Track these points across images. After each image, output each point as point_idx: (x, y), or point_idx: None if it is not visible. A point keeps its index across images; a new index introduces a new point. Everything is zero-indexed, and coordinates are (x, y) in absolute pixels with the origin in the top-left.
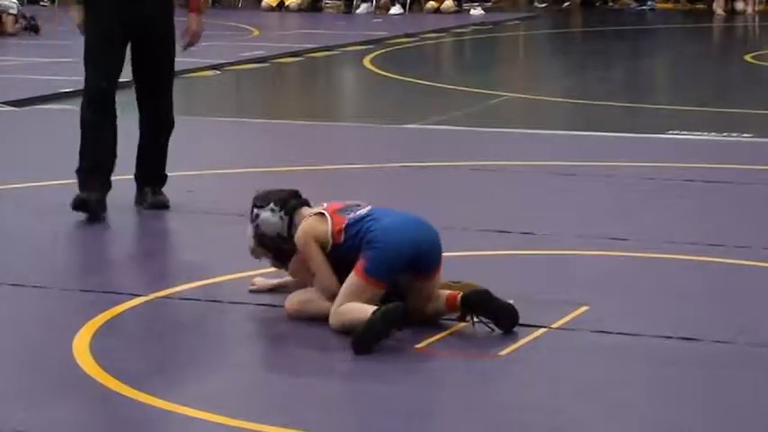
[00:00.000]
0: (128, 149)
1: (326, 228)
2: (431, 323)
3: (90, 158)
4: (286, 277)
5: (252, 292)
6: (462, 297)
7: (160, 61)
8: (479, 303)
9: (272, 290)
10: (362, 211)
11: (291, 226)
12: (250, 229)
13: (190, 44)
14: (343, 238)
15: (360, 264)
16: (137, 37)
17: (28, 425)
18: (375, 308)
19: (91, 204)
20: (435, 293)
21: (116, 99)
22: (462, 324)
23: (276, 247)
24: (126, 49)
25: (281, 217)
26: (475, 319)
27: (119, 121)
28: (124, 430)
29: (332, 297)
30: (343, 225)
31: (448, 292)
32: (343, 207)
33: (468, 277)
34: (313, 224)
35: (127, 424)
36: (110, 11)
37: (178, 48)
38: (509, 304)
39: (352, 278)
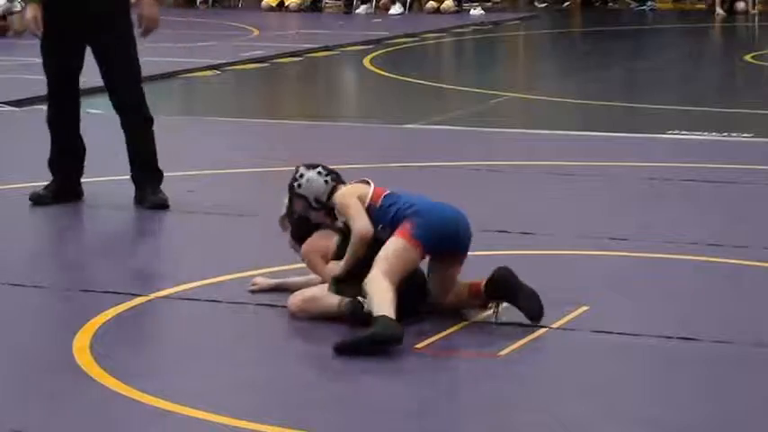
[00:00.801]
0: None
1: (367, 192)
2: (435, 320)
3: (53, 149)
4: (287, 278)
5: (252, 291)
6: (487, 281)
7: (118, 60)
8: (505, 285)
9: (273, 289)
10: (403, 191)
11: (330, 195)
12: (286, 197)
13: (147, 30)
14: (380, 203)
15: (405, 227)
16: (92, 38)
17: (27, 424)
18: (388, 312)
19: (41, 195)
20: (455, 285)
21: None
22: (462, 324)
23: (303, 215)
24: (83, 48)
25: (326, 181)
26: (499, 307)
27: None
28: (124, 430)
29: (365, 241)
30: (384, 192)
31: (471, 281)
32: (384, 188)
33: (468, 277)
34: (356, 186)
35: (127, 424)
36: (60, 11)
37: (141, 40)
38: (533, 290)
39: (397, 240)
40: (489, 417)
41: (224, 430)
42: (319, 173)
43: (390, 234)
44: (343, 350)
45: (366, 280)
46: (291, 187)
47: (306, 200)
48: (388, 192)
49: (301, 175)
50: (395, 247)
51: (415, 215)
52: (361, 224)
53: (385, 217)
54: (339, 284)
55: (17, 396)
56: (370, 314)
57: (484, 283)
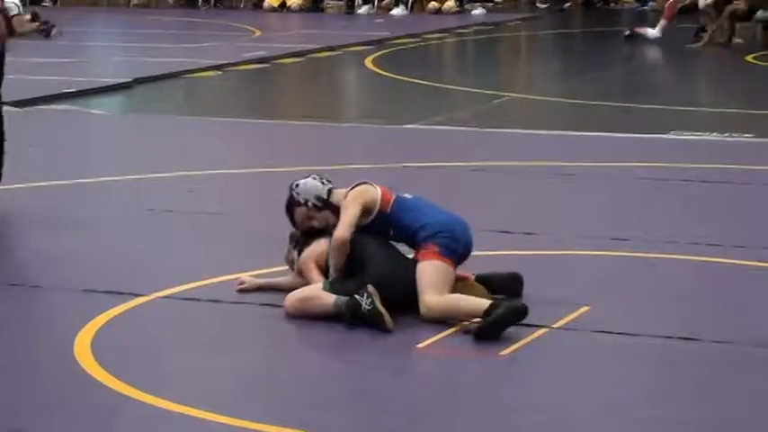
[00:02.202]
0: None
1: (376, 197)
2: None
3: None
4: (273, 279)
5: (240, 291)
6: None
7: None
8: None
9: (259, 289)
10: (408, 195)
11: (330, 194)
12: (286, 245)
13: None
14: (389, 210)
15: (433, 250)
16: None
17: (27, 424)
18: (490, 302)
19: None
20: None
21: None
22: (463, 324)
23: (306, 227)
24: None
25: (322, 182)
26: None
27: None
28: (124, 430)
29: (339, 246)
30: (392, 199)
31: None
32: (389, 187)
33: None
34: (366, 189)
35: (127, 423)
36: None
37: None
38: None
39: (433, 264)
40: (490, 416)
41: (225, 430)
42: (314, 178)
43: (416, 252)
44: (488, 332)
45: (432, 304)
46: (290, 201)
47: (306, 204)
48: (395, 197)
49: (297, 185)
50: (436, 268)
51: (439, 236)
52: (341, 231)
53: (396, 223)
54: (333, 284)
55: (17, 396)
56: (368, 312)
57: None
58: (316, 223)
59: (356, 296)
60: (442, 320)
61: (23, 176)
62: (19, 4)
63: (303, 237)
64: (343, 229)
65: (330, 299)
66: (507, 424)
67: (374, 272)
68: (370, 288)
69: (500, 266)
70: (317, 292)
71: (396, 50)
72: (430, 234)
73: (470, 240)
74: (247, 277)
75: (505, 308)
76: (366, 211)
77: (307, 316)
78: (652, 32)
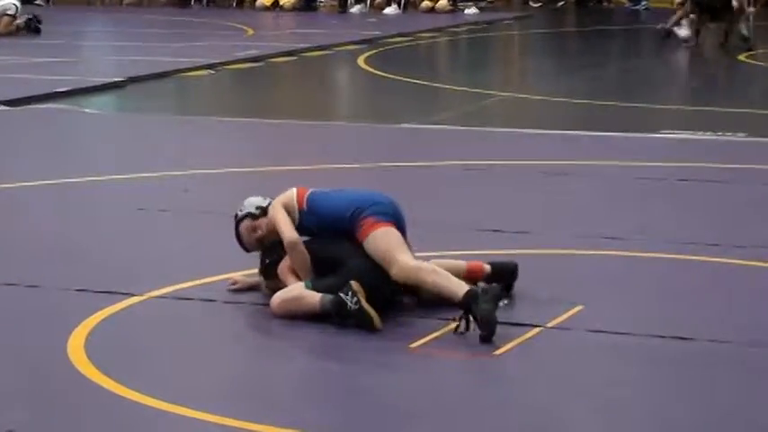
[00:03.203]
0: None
1: (291, 196)
2: (429, 320)
3: None
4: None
5: (232, 290)
6: (498, 269)
7: None
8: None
9: (252, 288)
10: (325, 189)
11: (269, 205)
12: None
13: None
14: (305, 205)
15: (367, 223)
16: None
17: (22, 424)
18: (466, 288)
19: None
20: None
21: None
22: (457, 324)
23: (251, 242)
24: None
25: (264, 198)
26: (461, 321)
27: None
28: (117, 429)
29: (293, 248)
30: (306, 194)
31: (468, 262)
32: (305, 188)
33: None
34: (283, 195)
35: (121, 424)
36: None
37: None
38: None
39: (378, 234)
40: (483, 416)
41: (217, 429)
42: (254, 196)
43: (354, 234)
44: (488, 327)
45: (407, 273)
46: (236, 224)
47: (249, 214)
48: (308, 192)
49: (240, 209)
50: (384, 236)
51: (367, 210)
52: (286, 235)
53: (316, 215)
54: (312, 282)
55: (11, 396)
56: (354, 311)
57: (490, 268)
58: (260, 231)
59: (341, 294)
60: (413, 285)
61: (16, 176)
62: (18, 4)
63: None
64: (285, 232)
65: (315, 298)
66: (501, 424)
67: (351, 261)
68: (354, 285)
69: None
70: (303, 292)
71: (388, 49)
72: (355, 210)
73: (398, 209)
74: (240, 277)
75: (487, 297)
76: (287, 210)
77: (293, 316)
78: (684, 33)
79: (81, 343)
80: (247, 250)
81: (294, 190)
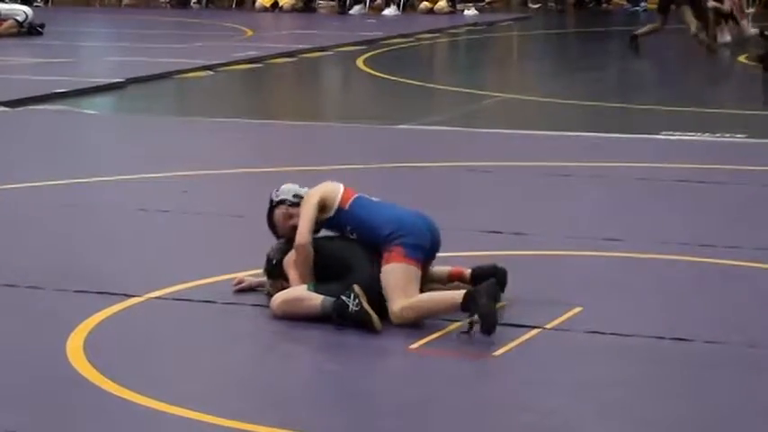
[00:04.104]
0: (120, 150)
1: (336, 192)
2: (429, 321)
3: None
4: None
5: (237, 290)
6: (478, 273)
7: None
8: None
9: (258, 288)
10: (374, 198)
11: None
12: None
13: None
14: (348, 207)
15: (397, 252)
16: None
17: (21, 425)
18: (463, 292)
19: None
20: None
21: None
22: (456, 324)
23: (282, 218)
24: None
25: (300, 186)
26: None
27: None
28: (117, 430)
29: (299, 247)
30: (354, 197)
31: (450, 268)
32: (354, 190)
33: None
34: (327, 185)
35: (120, 424)
36: None
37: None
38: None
39: (398, 266)
40: (484, 417)
41: (218, 430)
42: (291, 183)
43: (382, 253)
44: (489, 324)
45: (403, 312)
46: (270, 207)
47: (284, 202)
48: (357, 195)
49: (277, 190)
50: (402, 272)
51: (399, 236)
52: (299, 237)
53: (356, 220)
54: (316, 285)
55: (10, 397)
56: (355, 313)
57: (470, 273)
58: (296, 219)
59: (343, 297)
60: (417, 323)
61: (15, 177)
62: (29, 12)
63: (283, 247)
64: (301, 236)
65: (317, 300)
66: (500, 424)
67: (359, 274)
68: (357, 288)
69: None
70: (303, 294)
71: (387, 51)
72: (393, 232)
73: (437, 236)
74: (246, 277)
75: (483, 293)
76: (324, 205)
77: (293, 317)
78: (727, 38)
79: (80, 344)
80: (278, 236)
81: (341, 187)
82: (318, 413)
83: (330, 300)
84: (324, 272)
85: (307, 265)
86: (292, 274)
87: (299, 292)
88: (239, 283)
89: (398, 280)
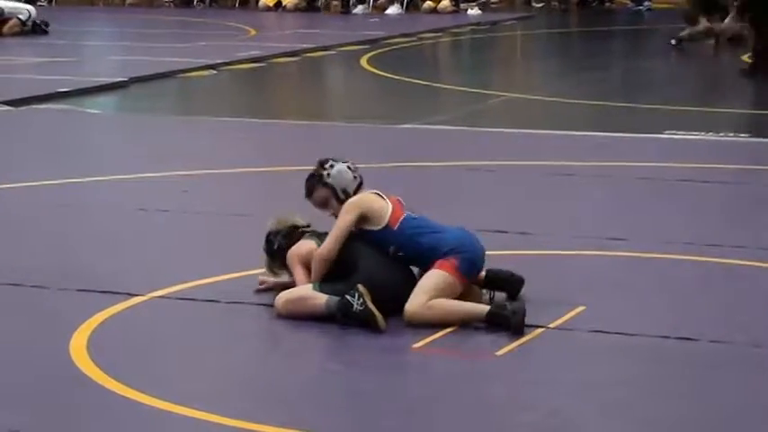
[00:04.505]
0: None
1: (384, 209)
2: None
3: None
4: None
5: (260, 290)
6: (494, 277)
7: None
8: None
9: (274, 288)
10: (418, 216)
11: (357, 191)
12: (264, 257)
13: None
14: (397, 227)
15: (450, 264)
16: None
17: (25, 424)
18: (487, 307)
19: None
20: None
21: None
22: (459, 324)
23: (321, 200)
24: None
25: (354, 177)
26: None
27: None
28: (121, 430)
29: (321, 260)
30: (403, 217)
31: None
32: (399, 200)
33: None
34: (371, 198)
35: (124, 424)
36: None
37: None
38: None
39: (443, 275)
40: (487, 416)
41: (221, 430)
42: (348, 167)
43: (433, 263)
44: (519, 329)
45: (419, 309)
46: (316, 177)
47: (333, 190)
48: (405, 215)
49: (331, 166)
50: (439, 279)
51: (458, 251)
52: (328, 245)
53: (398, 239)
54: (321, 284)
55: (14, 396)
56: (360, 312)
57: (484, 275)
58: (331, 210)
59: (347, 296)
60: (430, 325)
61: (18, 176)
62: (32, 11)
63: (284, 239)
64: (327, 251)
65: (321, 299)
66: (504, 423)
67: (364, 274)
68: (361, 288)
69: (498, 266)
70: (308, 293)
71: (391, 50)
72: (454, 249)
73: (484, 256)
74: (268, 277)
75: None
76: (364, 219)
77: (298, 316)
78: None
79: (83, 343)
80: (309, 198)
81: (390, 206)
82: (323, 412)
83: (335, 299)
84: (329, 271)
85: (321, 274)
86: (298, 270)
87: (304, 292)
88: (262, 283)
89: (436, 284)
